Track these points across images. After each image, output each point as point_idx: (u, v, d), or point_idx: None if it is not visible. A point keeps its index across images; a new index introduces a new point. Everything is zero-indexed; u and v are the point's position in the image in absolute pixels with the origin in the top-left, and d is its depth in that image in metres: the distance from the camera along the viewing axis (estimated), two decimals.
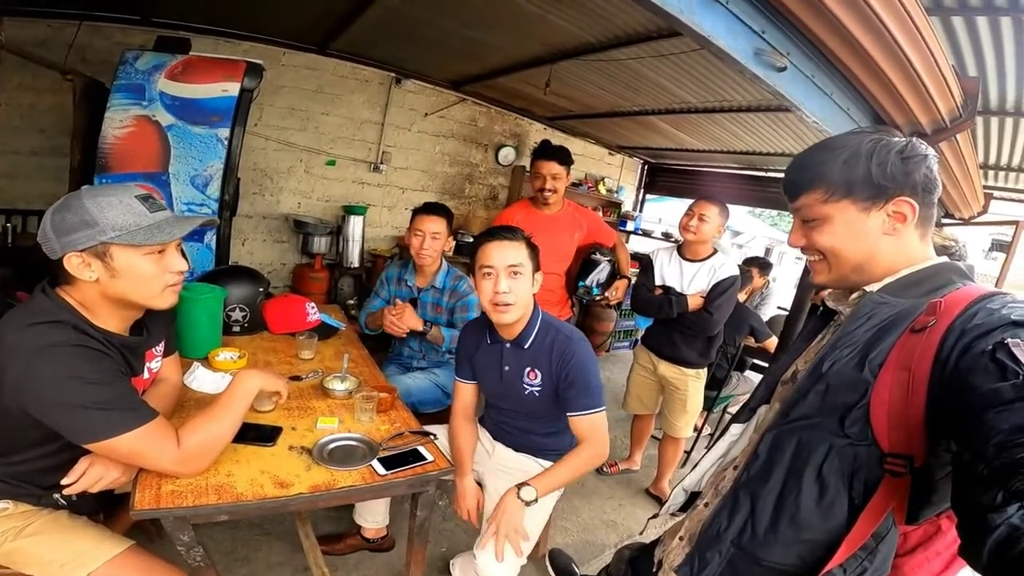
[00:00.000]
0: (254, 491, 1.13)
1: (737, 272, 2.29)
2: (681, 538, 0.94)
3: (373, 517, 1.85)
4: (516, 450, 1.67)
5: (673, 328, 2.34)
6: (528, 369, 1.52)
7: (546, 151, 2.38)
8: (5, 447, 1.06)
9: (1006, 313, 0.60)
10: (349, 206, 4.03)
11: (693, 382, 2.40)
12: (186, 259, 1.17)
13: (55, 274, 1.04)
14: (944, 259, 0.78)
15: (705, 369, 2.45)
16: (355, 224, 3.93)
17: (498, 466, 1.67)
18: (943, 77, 2.01)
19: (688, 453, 3.17)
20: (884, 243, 0.77)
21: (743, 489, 0.79)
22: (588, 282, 2.49)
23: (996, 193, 4.07)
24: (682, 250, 2.38)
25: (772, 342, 3.18)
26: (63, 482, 1.05)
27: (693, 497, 1.09)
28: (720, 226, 2.27)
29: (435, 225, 2.06)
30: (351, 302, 3.94)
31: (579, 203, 2.77)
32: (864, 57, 1.75)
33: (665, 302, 2.28)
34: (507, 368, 1.55)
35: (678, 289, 2.31)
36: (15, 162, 3.03)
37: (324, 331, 2.05)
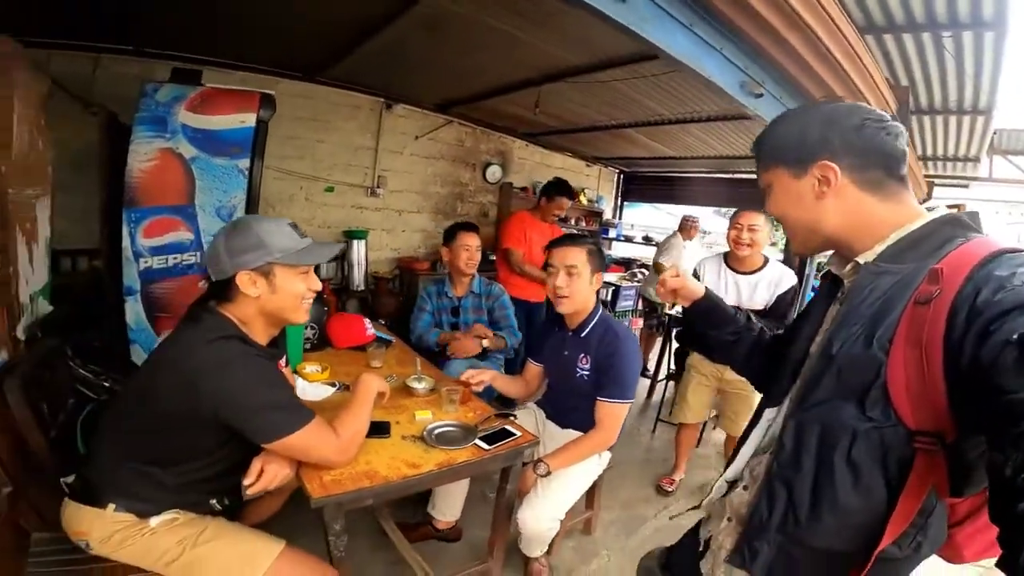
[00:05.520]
0: (395, 472, 1.30)
1: (796, 280, 2.27)
2: (729, 519, 0.92)
3: (451, 511, 2.02)
4: (563, 427, 1.93)
5: None
6: (581, 355, 1.81)
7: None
8: (185, 455, 1.18)
9: (1020, 286, 0.55)
10: (350, 231, 4.16)
11: None
12: None
13: (218, 293, 1.19)
14: (941, 212, 0.74)
15: None
16: (358, 248, 4.08)
17: (547, 438, 1.92)
18: (880, 91, 2.48)
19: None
20: (827, 206, 0.77)
21: (777, 478, 0.76)
22: None
23: (937, 181, 4.68)
24: (731, 262, 2.32)
25: None
26: (245, 483, 1.16)
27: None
28: (770, 233, 2.24)
29: (477, 240, 2.46)
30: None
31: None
32: (819, 81, 2.23)
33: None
34: (566, 353, 1.84)
35: (732, 303, 2.21)
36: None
37: (377, 344, 2.22)
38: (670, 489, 2.69)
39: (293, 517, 1.53)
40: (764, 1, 1.74)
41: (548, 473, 1.67)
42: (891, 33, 2.92)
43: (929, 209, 0.77)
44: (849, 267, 0.79)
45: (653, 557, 1.21)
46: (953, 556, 0.79)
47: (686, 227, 4.63)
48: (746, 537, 0.81)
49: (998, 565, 0.47)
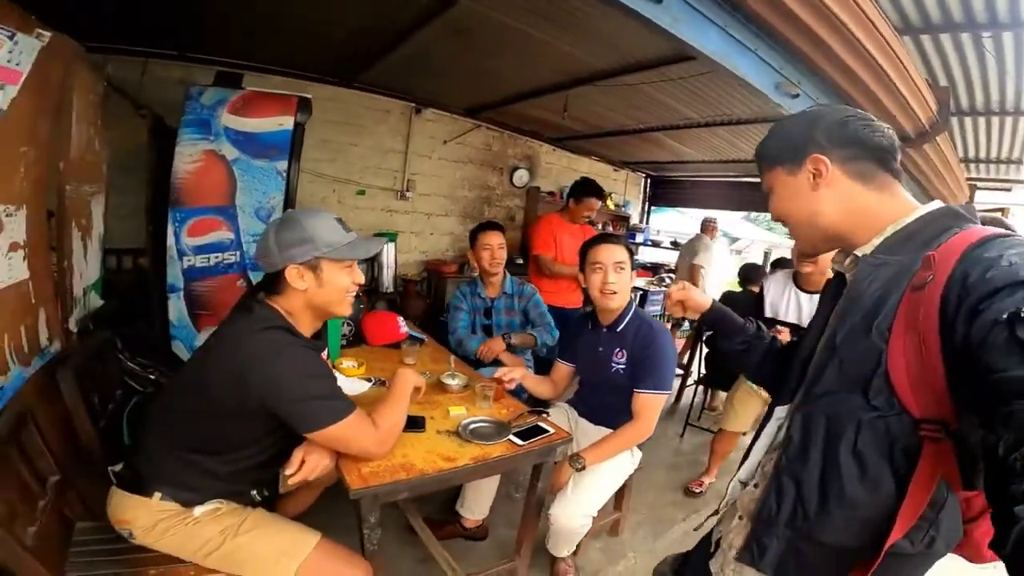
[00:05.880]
0: (431, 466, 1.30)
1: None
2: (741, 517, 0.91)
3: (480, 509, 2.03)
4: (596, 424, 1.93)
5: None
6: (617, 349, 1.82)
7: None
8: (232, 444, 1.21)
9: (1007, 267, 0.56)
10: (380, 233, 4.22)
11: None
12: None
13: (267, 286, 1.23)
14: (937, 204, 0.75)
15: None
16: (388, 251, 4.15)
17: (579, 435, 1.92)
18: (920, 92, 2.44)
19: None
20: (822, 196, 0.79)
21: (785, 472, 0.77)
22: None
23: (980, 184, 4.54)
24: (799, 281, 2.26)
25: None
26: (287, 472, 1.18)
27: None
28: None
29: (499, 238, 2.44)
30: None
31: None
32: (857, 81, 2.19)
33: None
34: (601, 349, 1.85)
35: (793, 321, 2.21)
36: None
37: (410, 341, 2.26)
38: (699, 491, 2.67)
39: (325, 511, 1.56)
40: (798, 0, 1.72)
41: (584, 467, 1.68)
42: (928, 34, 2.85)
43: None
44: (849, 260, 0.81)
45: (667, 563, 1.21)
46: (974, 556, 0.78)
47: (708, 228, 4.87)
48: (755, 533, 0.81)
49: (991, 545, 0.47)
